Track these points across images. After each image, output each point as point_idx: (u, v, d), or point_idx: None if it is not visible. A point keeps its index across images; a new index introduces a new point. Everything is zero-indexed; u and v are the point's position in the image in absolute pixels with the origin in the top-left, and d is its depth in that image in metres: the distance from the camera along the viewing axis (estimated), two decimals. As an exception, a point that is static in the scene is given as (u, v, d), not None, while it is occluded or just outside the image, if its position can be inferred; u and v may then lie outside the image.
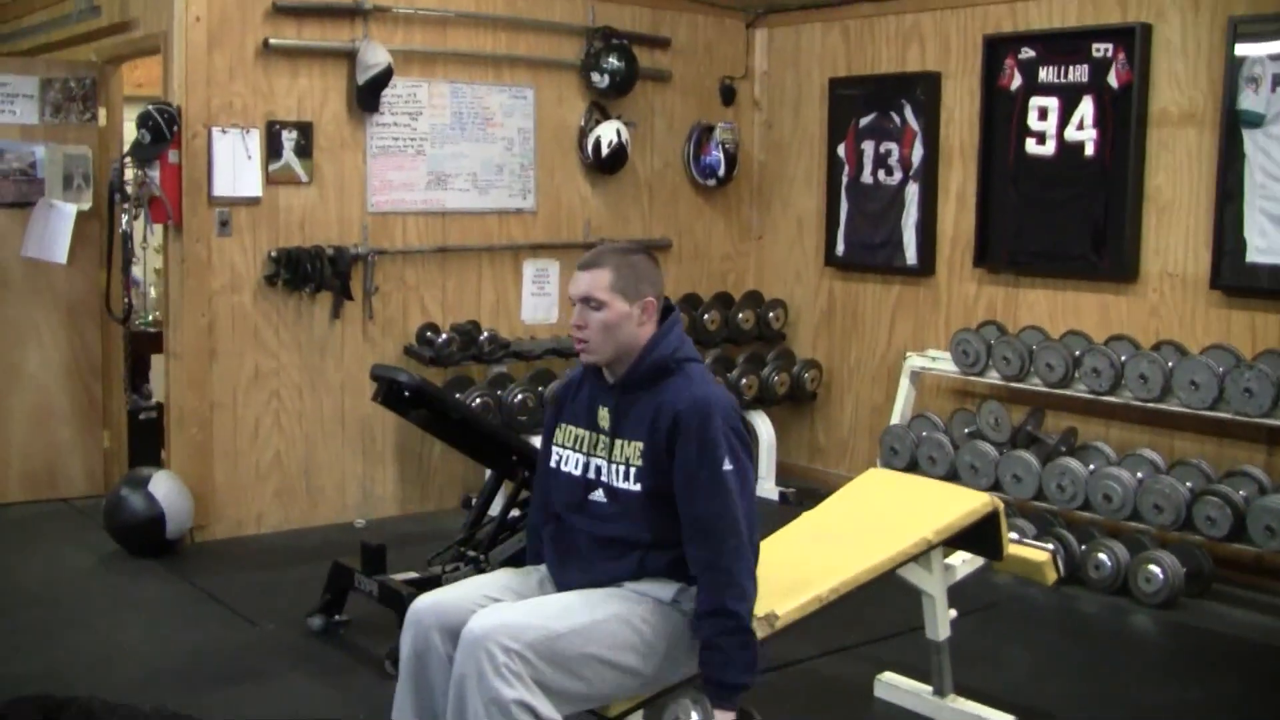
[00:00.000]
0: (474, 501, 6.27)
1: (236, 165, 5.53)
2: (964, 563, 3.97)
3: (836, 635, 4.48)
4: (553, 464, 3.14)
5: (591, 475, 3.04)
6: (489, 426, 4.78)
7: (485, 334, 6.20)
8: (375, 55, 5.75)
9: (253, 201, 5.64)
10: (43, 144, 6.03)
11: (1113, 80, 5.64)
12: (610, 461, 3.02)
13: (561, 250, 6.62)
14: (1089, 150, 5.75)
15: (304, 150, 5.74)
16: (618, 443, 3.01)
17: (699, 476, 2.90)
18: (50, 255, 5.98)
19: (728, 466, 2.91)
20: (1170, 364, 5.24)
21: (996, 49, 6.06)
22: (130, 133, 6.30)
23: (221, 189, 5.52)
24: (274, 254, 5.70)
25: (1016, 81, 5.98)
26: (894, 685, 4.17)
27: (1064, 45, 5.81)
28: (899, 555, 3.61)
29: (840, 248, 6.90)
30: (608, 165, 6.62)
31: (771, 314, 7.09)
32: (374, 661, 4.33)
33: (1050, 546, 4.10)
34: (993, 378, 5.86)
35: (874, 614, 4.50)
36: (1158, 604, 5.09)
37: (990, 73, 6.08)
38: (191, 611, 4.89)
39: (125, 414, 6.37)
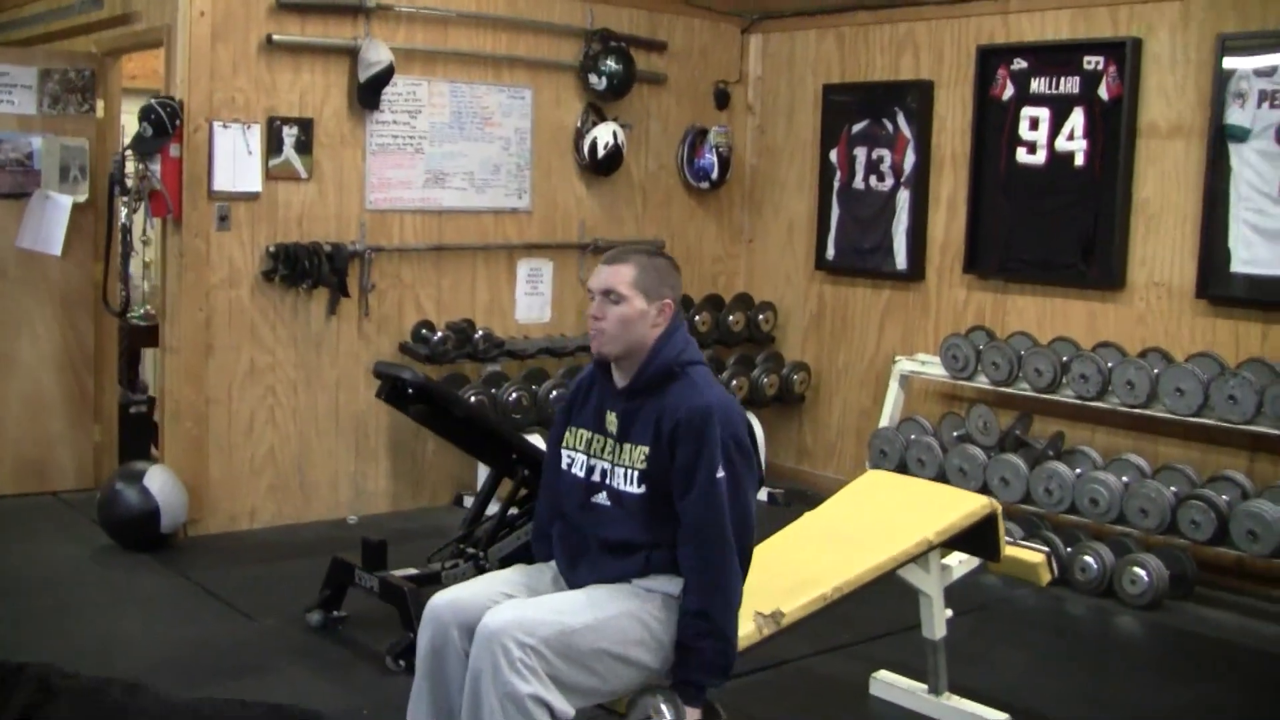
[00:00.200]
0: (465, 499, 6.37)
1: (237, 160, 5.55)
2: (960, 563, 4.05)
3: (831, 634, 4.54)
4: (563, 466, 3.18)
5: (596, 478, 3.09)
6: (491, 424, 4.83)
7: (480, 332, 6.25)
8: (377, 53, 5.78)
9: (252, 197, 5.66)
10: (40, 135, 6.03)
11: (1103, 93, 5.74)
12: (615, 465, 3.07)
13: (555, 250, 6.67)
14: (1079, 160, 5.85)
15: (304, 146, 5.76)
16: (624, 447, 3.07)
17: (693, 481, 2.96)
18: (45, 247, 5.97)
19: (720, 474, 2.95)
20: (1156, 371, 5.34)
21: (989, 59, 6.15)
22: (127, 126, 6.34)
23: (221, 184, 5.54)
24: (272, 249, 5.72)
25: (1009, 92, 6.08)
26: (889, 683, 4.24)
27: (1056, 57, 5.91)
28: (901, 555, 3.68)
29: (831, 252, 6.98)
30: (603, 167, 6.67)
31: (761, 316, 7.16)
32: (375, 657, 4.37)
33: (1045, 548, 4.18)
34: (981, 382, 5.94)
35: (867, 613, 4.55)
36: (1142, 606, 5.19)
37: (983, 82, 6.17)
38: (188, 606, 4.90)
39: (116, 407, 6.36)
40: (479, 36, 6.31)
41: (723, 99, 7.21)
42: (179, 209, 5.47)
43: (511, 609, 2.92)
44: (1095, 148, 5.78)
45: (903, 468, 6.09)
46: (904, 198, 6.61)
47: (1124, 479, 5.42)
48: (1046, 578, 4.10)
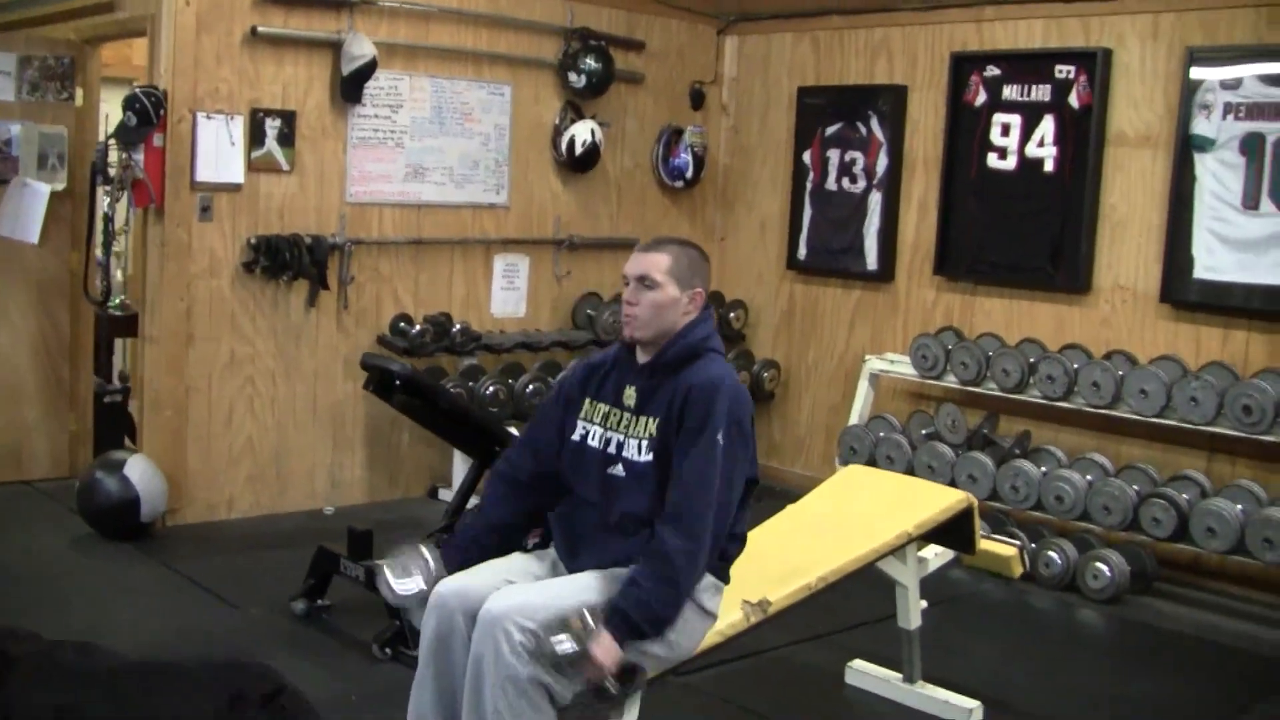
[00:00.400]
0: (440, 491, 6.44)
1: (220, 151, 5.58)
2: (936, 556, 4.18)
3: (806, 624, 4.63)
4: (576, 438, 3.24)
5: (612, 450, 3.17)
6: (475, 416, 4.90)
7: (458, 326, 6.30)
8: (361, 47, 5.83)
9: (234, 188, 5.69)
10: (19, 122, 6.00)
11: (1073, 101, 5.88)
12: (629, 437, 3.16)
13: (532, 246, 6.74)
14: (1049, 167, 5.99)
15: (286, 139, 5.80)
16: (639, 419, 3.16)
17: (694, 442, 3.04)
18: (23, 235, 5.96)
19: (720, 440, 3.04)
20: (1121, 373, 5.49)
21: (962, 66, 6.28)
22: (105, 114, 6.34)
23: (204, 174, 5.56)
24: (253, 241, 5.75)
25: (981, 98, 6.21)
26: (864, 672, 4.36)
27: (1028, 65, 6.05)
28: (882, 547, 3.79)
29: (802, 252, 7.10)
30: (580, 164, 6.75)
31: (732, 314, 7.26)
32: (360, 645, 4.42)
33: (1017, 542, 4.31)
34: (950, 382, 6.08)
35: (841, 604, 4.65)
36: (1104, 600, 5.34)
37: (956, 88, 6.30)
38: (173, 595, 4.94)
39: (92, 396, 6.36)
40: (460, 32, 6.36)
41: (698, 99, 7.31)
42: (161, 199, 5.49)
43: (512, 594, 2.99)
44: (1065, 154, 5.93)
45: (872, 464, 6.20)
46: (876, 200, 6.73)
47: (1088, 477, 5.57)
48: (1019, 570, 4.24)
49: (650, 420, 3.13)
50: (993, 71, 6.16)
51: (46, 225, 5.98)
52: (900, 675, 4.25)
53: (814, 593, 3.56)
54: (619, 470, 3.15)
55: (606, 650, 2.88)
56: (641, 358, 3.22)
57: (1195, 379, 5.29)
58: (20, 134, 6.02)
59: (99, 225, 5.67)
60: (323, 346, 6.07)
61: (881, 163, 6.69)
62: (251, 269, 5.77)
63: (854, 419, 6.47)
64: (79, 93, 6.15)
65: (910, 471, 6.01)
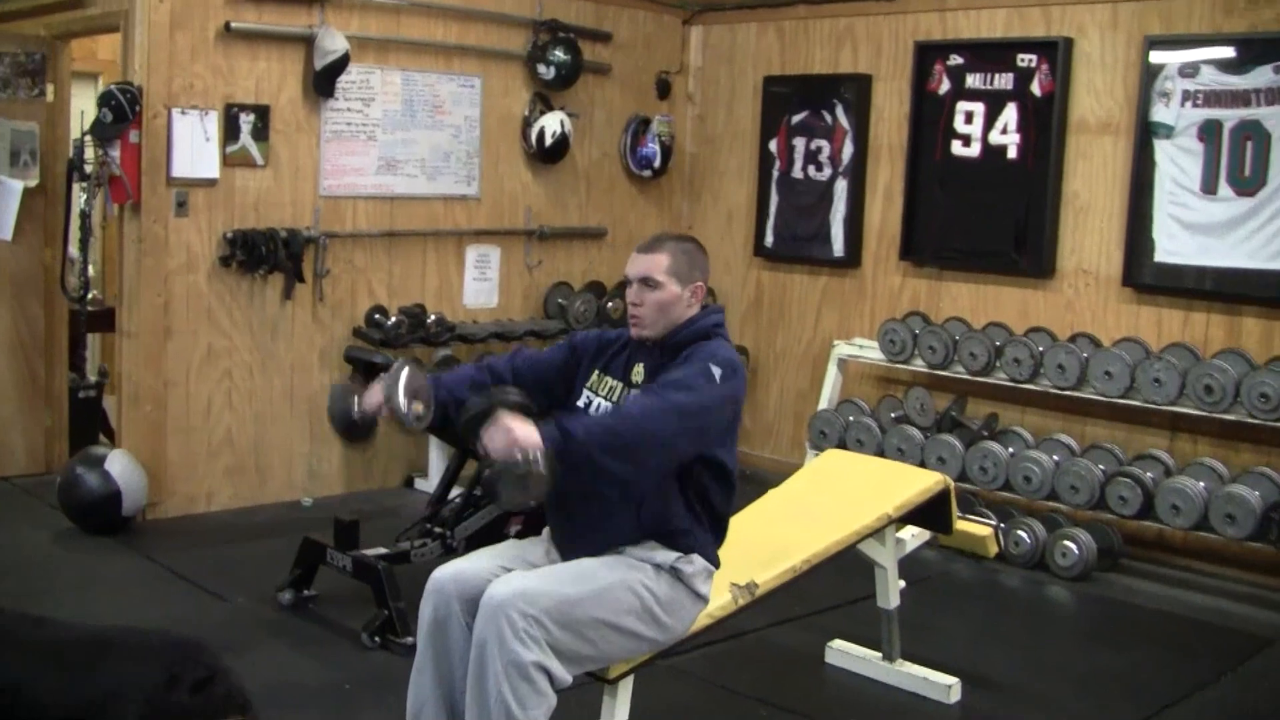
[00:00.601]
0: (416, 481, 6.50)
1: (195, 146, 5.59)
2: (913, 536, 4.29)
3: (785, 606, 4.74)
4: (580, 404, 3.32)
5: None
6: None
7: (432, 317, 6.36)
8: (334, 42, 5.86)
9: (210, 183, 5.71)
10: (-10, 118, 6.02)
11: (1036, 89, 6.01)
12: None
13: (503, 236, 6.80)
14: (1012, 154, 6.12)
15: (260, 133, 5.82)
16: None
17: (687, 363, 3.14)
18: (-4, 232, 5.97)
19: (714, 370, 3.11)
20: (1086, 355, 5.63)
21: (927, 55, 6.39)
22: (76, 109, 6.34)
23: (180, 170, 5.58)
24: (229, 235, 5.78)
25: (945, 86, 6.33)
26: (844, 651, 4.47)
27: (991, 54, 6.17)
28: (863, 529, 3.90)
29: (769, 239, 7.20)
30: (550, 155, 6.81)
31: (702, 301, 7.34)
32: (349, 634, 4.49)
33: (992, 522, 4.43)
34: (918, 365, 6.20)
35: (817, 586, 4.76)
36: (1072, 578, 5.49)
37: (920, 77, 6.41)
38: (159, 587, 4.97)
39: (67, 392, 6.37)
40: (430, 25, 6.40)
41: (664, 89, 7.38)
42: (138, 195, 5.50)
43: (515, 581, 3.07)
44: (1027, 142, 6.06)
45: (842, 448, 6.30)
46: (841, 187, 6.84)
47: (1055, 458, 5.71)
48: (994, 550, 4.37)
49: None
50: (956, 60, 6.28)
51: (20, 221, 5.99)
52: (879, 654, 4.36)
53: (799, 574, 3.66)
54: None
55: (524, 426, 2.89)
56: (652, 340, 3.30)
57: (1158, 360, 5.43)
58: (-9, 130, 6.02)
59: (75, 221, 5.67)
60: (299, 339, 6.11)
61: (847, 151, 6.79)
62: (228, 263, 5.80)
63: (823, 404, 6.58)
64: (50, 88, 6.14)
65: (880, 454, 6.13)
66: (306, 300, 6.10)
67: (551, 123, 6.74)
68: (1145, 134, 5.67)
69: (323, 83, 5.93)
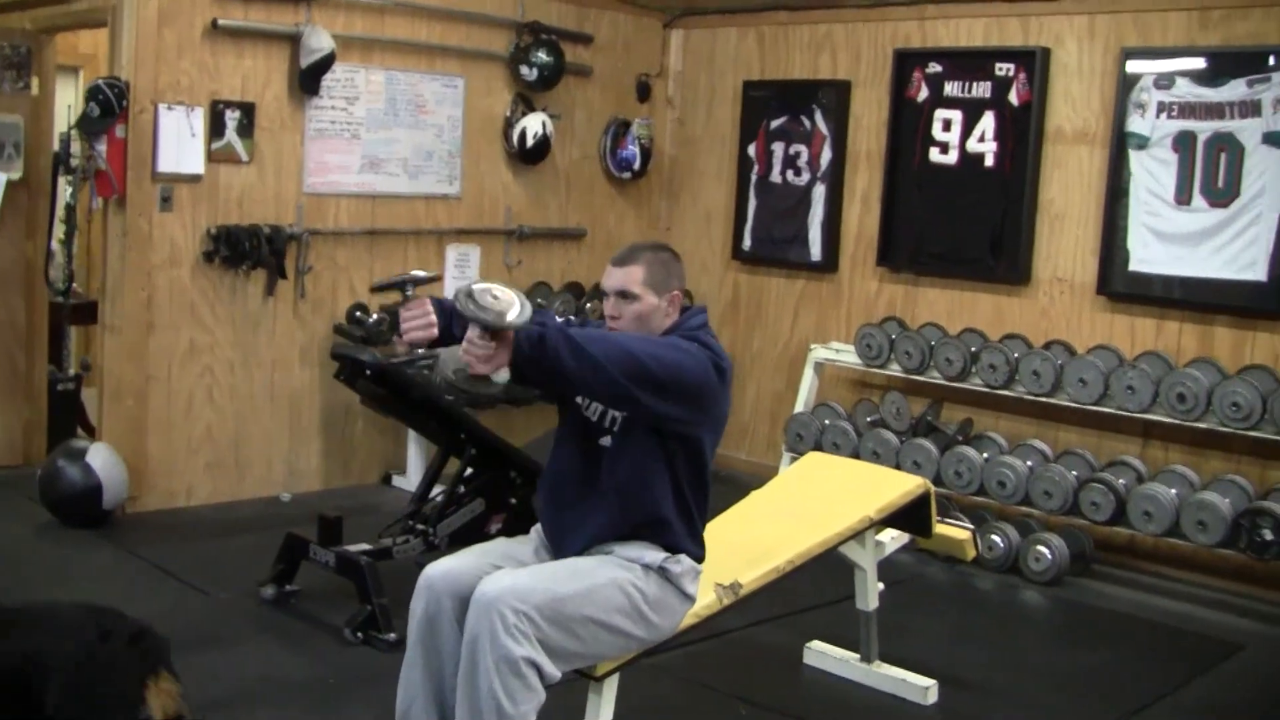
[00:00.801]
0: (394, 478, 6.53)
1: (180, 142, 5.61)
2: (893, 539, 4.35)
3: (764, 607, 4.80)
4: (577, 400, 3.32)
5: (606, 423, 3.27)
6: (443, 405, 4.99)
7: (413, 315, 6.37)
8: (319, 40, 5.87)
9: (194, 179, 5.72)
10: (-26, 111, 6.00)
11: (1013, 98, 6.10)
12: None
13: (483, 236, 6.84)
14: (989, 161, 6.20)
15: (246, 130, 5.84)
16: None
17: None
18: (-23, 224, 5.95)
19: (689, 347, 3.12)
20: (1060, 362, 5.72)
21: (905, 62, 6.47)
22: (61, 103, 6.33)
23: (165, 165, 5.59)
24: (213, 231, 5.79)
25: (923, 94, 6.41)
26: (822, 652, 4.52)
27: (969, 63, 6.25)
28: (845, 531, 3.95)
29: (747, 242, 7.26)
30: (531, 156, 6.85)
31: (680, 303, 7.39)
32: (332, 629, 4.51)
33: (970, 526, 4.50)
34: (894, 370, 6.28)
35: (796, 587, 4.82)
36: (1045, 582, 5.57)
37: (899, 84, 6.49)
38: (141, 581, 4.98)
39: (46, 385, 6.36)
40: (414, 26, 6.43)
41: (644, 91, 7.43)
42: (124, 189, 5.50)
43: (506, 577, 3.10)
44: (1004, 150, 6.15)
45: (818, 450, 6.38)
46: (819, 192, 6.91)
47: (1028, 463, 5.80)
48: (972, 553, 4.43)
49: None
50: (935, 68, 6.36)
51: (3, 214, 5.98)
52: (857, 655, 4.42)
53: (783, 575, 3.71)
54: (607, 441, 3.25)
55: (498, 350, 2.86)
56: None
57: (1131, 368, 5.53)
58: (-25, 123, 6.00)
59: (60, 215, 5.66)
60: (280, 335, 6.13)
61: (825, 156, 6.86)
62: (211, 259, 5.81)
63: (799, 406, 6.64)
64: (35, 82, 6.12)
65: (856, 458, 6.19)
66: (288, 297, 6.12)
67: (533, 124, 6.77)
68: (1121, 144, 5.77)
69: (308, 81, 5.95)
